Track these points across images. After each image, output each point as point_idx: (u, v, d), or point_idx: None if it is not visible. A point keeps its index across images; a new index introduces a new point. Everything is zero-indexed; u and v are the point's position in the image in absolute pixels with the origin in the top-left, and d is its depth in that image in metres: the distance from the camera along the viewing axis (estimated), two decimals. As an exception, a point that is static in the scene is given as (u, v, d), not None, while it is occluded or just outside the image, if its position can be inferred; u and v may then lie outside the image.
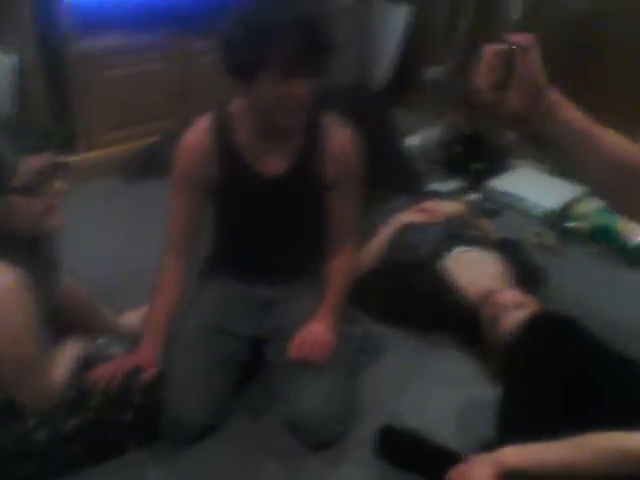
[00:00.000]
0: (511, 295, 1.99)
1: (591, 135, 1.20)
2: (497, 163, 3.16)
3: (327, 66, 1.62)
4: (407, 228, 2.32)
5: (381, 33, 3.78)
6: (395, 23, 3.71)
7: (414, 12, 3.63)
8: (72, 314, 1.81)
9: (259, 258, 1.91)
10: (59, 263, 1.64)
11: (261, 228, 1.86)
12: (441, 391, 1.97)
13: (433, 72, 3.23)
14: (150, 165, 3.09)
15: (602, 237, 2.67)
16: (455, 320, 2.10)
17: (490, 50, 1.13)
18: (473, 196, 2.96)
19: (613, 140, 1.22)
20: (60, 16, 2.89)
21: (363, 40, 3.84)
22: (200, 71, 3.13)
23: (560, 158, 1.29)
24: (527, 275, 2.19)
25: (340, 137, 1.81)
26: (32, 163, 1.41)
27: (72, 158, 3.05)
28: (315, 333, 1.77)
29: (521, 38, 1.12)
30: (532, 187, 2.99)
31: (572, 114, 1.19)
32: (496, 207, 2.93)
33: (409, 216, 2.37)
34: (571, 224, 2.75)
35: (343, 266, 1.92)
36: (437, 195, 2.79)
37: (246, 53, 1.55)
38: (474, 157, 3.14)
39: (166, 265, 1.86)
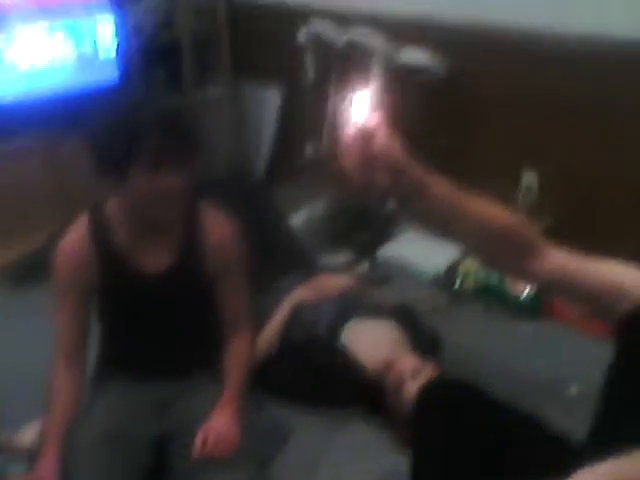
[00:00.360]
0: (409, 362, 2.03)
1: (458, 206, 1.26)
2: (383, 231, 3.24)
3: (197, 157, 1.65)
4: (301, 306, 2.33)
5: (256, 117, 3.88)
6: (268, 106, 3.81)
7: (283, 95, 3.75)
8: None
9: (153, 355, 1.86)
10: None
11: (150, 325, 1.82)
12: (355, 467, 1.94)
13: (309, 151, 3.34)
14: (34, 271, 2.99)
15: (491, 293, 2.76)
16: (360, 393, 2.10)
17: (347, 133, 1.17)
18: (362, 266, 3.02)
19: (481, 207, 1.29)
20: None
21: (238, 126, 3.93)
22: (78, 173, 3.10)
23: (434, 225, 1.34)
24: (422, 340, 2.23)
25: (220, 228, 1.82)
26: None
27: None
28: (218, 427, 1.72)
29: (371, 120, 1.16)
30: (419, 251, 3.07)
31: (438, 189, 1.23)
32: (386, 275, 2.99)
33: (301, 294, 2.38)
34: (459, 283, 2.84)
35: (240, 353, 1.90)
36: (327, 269, 2.83)
37: (114, 151, 1.57)
38: (360, 228, 3.21)
39: (57, 374, 1.79)
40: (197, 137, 1.64)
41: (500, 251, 1.33)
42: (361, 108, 1.16)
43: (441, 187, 1.24)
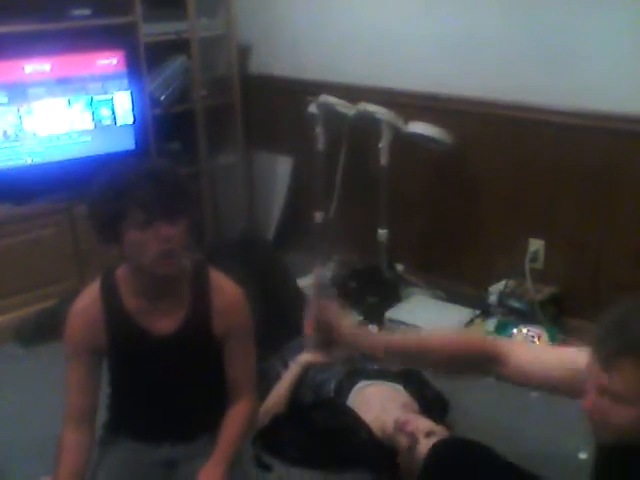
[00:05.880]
0: (422, 423, 2.02)
1: (417, 350, 1.49)
2: (391, 294, 3.27)
3: (187, 211, 1.70)
4: (310, 368, 2.35)
5: (267, 183, 3.97)
6: (279, 173, 3.91)
7: (294, 162, 3.85)
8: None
9: (160, 417, 1.87)
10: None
11: (158, 387, 1.83)
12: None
13: (318, 217, 3.42)
14: (48, 328, 3.03)
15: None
16: (367, 455, 2.10)
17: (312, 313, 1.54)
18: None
19: (440, 342, 1.50)
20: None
21: (251, 192, 4.01)
22: (88, 233, 3.17)
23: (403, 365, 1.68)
24: (429, 402, 2.24)
25: (227, 292, 1.85)
26: None
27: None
28: None
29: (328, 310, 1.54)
30: (426, 314, 3.09)
31: (397, 345, 1.50)
32: (394, 337, 3.00)
33: (310, 356, 2.40)
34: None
35: (239, 414, 1.88)
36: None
37: (108, 212, 1.65)
38: (368, 290, 3.24)
39: (66, 434, 1.79)
40: (181, 191, 1.69)
41: (468, 368, 1.52)
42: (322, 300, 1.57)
43: (400, 341, 1.52)
